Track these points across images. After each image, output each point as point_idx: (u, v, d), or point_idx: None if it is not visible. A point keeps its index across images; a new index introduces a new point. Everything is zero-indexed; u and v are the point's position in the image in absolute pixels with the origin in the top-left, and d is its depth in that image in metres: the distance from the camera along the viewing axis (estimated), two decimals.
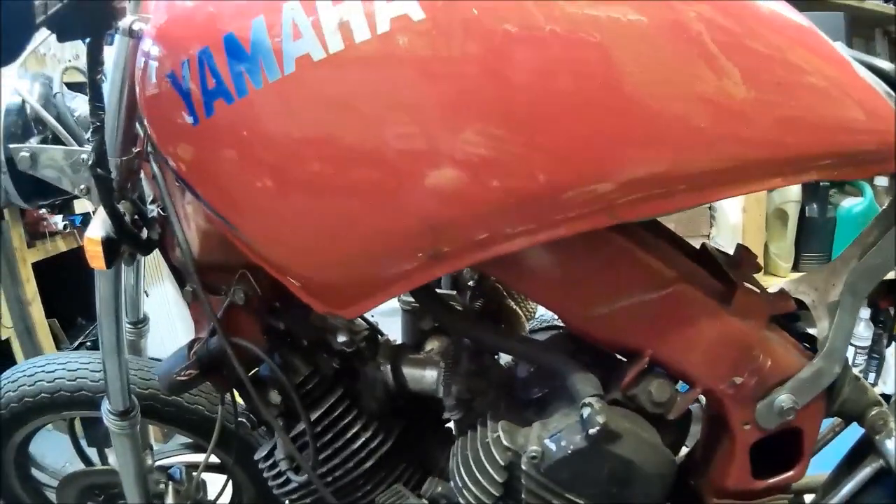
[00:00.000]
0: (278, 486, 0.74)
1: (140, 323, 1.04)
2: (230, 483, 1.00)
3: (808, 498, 0.80)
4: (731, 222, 1.92)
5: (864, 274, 0.68)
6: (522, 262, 0.59)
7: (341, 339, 0.68)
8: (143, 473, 0.86)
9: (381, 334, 0.73)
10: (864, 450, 0.76)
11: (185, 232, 0.68)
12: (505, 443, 0.62)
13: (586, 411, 0.58)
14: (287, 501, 0.76)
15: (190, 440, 1.02)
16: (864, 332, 2.34)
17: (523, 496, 0.62)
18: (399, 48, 0.47)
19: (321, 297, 0.61)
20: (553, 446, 0.60)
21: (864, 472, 0.74)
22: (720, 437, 0.68)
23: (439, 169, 0.50)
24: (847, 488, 0.75)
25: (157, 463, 0.92)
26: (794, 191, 1.95)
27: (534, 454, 0.60)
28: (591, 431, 0.57)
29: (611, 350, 0.63)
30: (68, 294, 1.57)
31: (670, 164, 0.50)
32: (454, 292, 0.73)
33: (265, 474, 0.75)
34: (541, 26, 0.46)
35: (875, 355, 2.35)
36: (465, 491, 0.64)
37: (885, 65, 0.68)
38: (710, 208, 2.03)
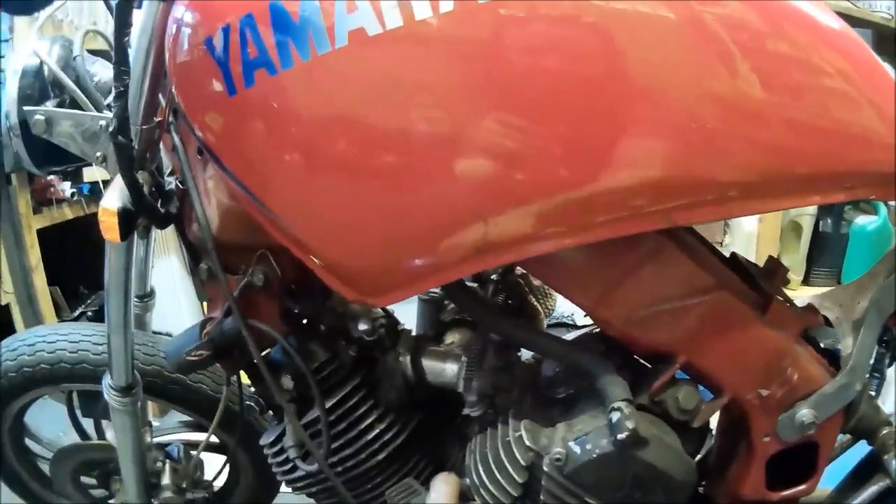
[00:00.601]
0: (284, 472, 0.73)
1: (147, 297, 1.01)
2: (230, 466, 0.98)
3: None
4: (746, 230, 1.94)
5: (890, 292, 0.67)
6: (563, 261, 0.57)
7: (362, 326, 0.66)
8: (141, 451, 0.84)
9: (399, 324, 0.71)
10: (870, 468, 0.76)
11: (204, 207, 0.65)
12: (527, 443, 0.61)
13: (615, 416, 0.57)
14: (291, 489, 0.75)
15: (189, 418, 1.00)
16: None
17: (542, 497, 0.61)
18: (462, 29, 0.45)
19: (351, 283, 0.59)
20: (578, 449, 0.59)
21: (871, 490, 0.74)
22: (738, 446, 0.67)
23: (494, 160, 0.48)
24: None
25: (156, 440, 0.90)
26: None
27: (558, 456, 0.59)
28: (620, 436, 0.56)
29: (642, 353, 0.62)
30: (72, 262, 1.53)
31: (725, 170, 0.49)
32: (476, 285, 0.72)
33: (270, 460, 0.74)
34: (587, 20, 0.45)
35: (876, 374, 2.38)
36: (482, 489, 0.63)
37: None
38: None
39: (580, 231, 0.50)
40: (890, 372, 2.55)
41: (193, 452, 0.90)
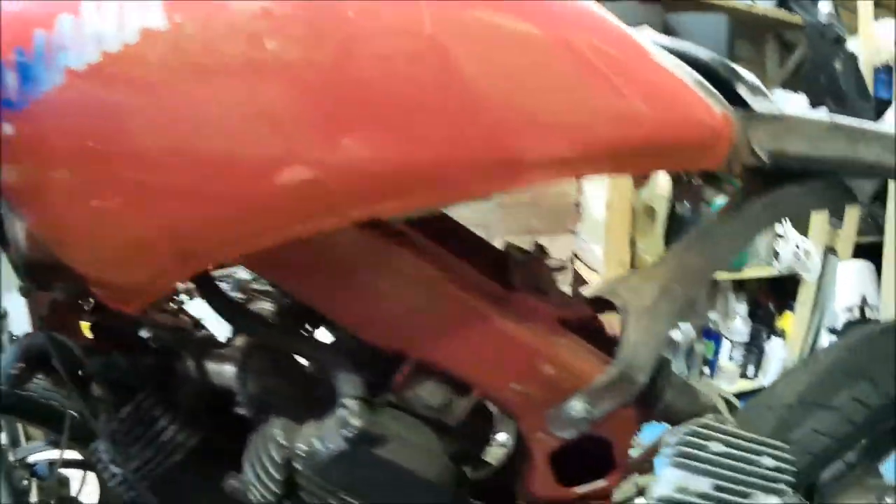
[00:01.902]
0: (108, 477, 0.76)
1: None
2: (98, 479, 1.00)
3: None
4: (596, 217, 1.88)
5: (682, 276, 0.64)
6: (279, 259, 0.57)
7: (147, 334, 0.69)
8: (6, 471, 0.88)
9: (202, 328, 0.74)
10: None
11: (14, 228, 0.70)
12: (281, 440, 0.61)
13: (342, 412, 0.57)
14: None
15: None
16: (740, 327, 2.29)
17: (302, 495, 0.61)
18: (144, 61, 0.46)
19: (111, 295, 0.61)
20: (319, 445, 0.58)
21: None
22: (521, 444, 0.65)
23: (172, 173, 0.50)
24: None
25: (36, 459, 0.94)
26: (663, 187, 1.88)
27: (300, 452, 0.59)
28: (344, 433, 0.56)
29: (382, 349, 0.61)
30: None
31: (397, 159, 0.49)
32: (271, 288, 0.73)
33: (98, 466, 0.77)
34: None
35: (754, 349, 2.28)
36: (251, 487, 0.64)
37: (702, 53, 0.64)
38: (576, 205, 2.01)
39: (270, 232, 0.51)
40: (769, 347, 2.42)
41: (62, 471, 0.93)
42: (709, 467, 0.48)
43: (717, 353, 2.28)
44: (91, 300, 0.72)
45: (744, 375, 2.28)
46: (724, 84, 0.57)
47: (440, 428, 0.61)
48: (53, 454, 0.98)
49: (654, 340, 0.62)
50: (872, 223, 2.25)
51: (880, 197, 2.19)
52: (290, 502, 0.62)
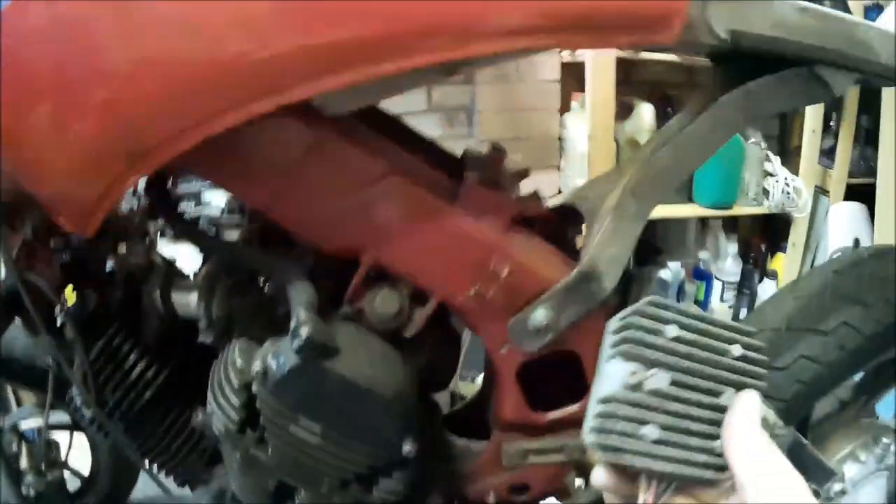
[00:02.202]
0: (86, 422, 0.75)
1: None
2: (88, 441, 0.99)
3: None
4: (579, 151, 1.85)
5: (650, 176, 0.60)
6: (224, 158, 0.54)
7: (109, 265, 0.68)
8: None
9: (155, 259, 0.72)
10: None
11: None
12: (239, 362, 0.59)
13: (293, 323, 0.55)
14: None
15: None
16: (731, 267, 2.23)
17: (262, 420, 0.59)
18: None
19: (67, 216, 0.60)
20: (274, 364, 0.56)
21: None
22: (490, 367, 0.62)
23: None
24: None
25: (25, 424, 0.94)
26: (646, 120, 1.84)
27: (256, 372, 0.57)
28: (295, 344, 0.54)
29: (337, 256, 0.59)
30: None
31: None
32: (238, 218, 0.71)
33: (75, 414, 0.76)
34: None
35: (745, 291, 2.20)
36: (214, 417, 0.62)
37: None
38: (559, 139, 1.98)
39: (211, 118, 0.49)
40: (761, 288, 2.34)
41: (51, 436, 0.92)
42: (663, 356, 0.35)
43: (708, 294, 2.25)
44: (59, 238, 0.71)
45: (736, 318, 2.23)
46: None
47: (400, 342, 0.59)
48: (43, 419, 0.99)
49: (621, 241, 0.58)
50: (864, 165, 2.18)
51: (872, 139, 2.12)
52: (254, 431, 0.60)
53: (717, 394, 0.36)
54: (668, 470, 0.34)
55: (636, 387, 0.34)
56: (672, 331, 0.36)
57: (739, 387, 0.36)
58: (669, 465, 0.34)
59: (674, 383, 0.35)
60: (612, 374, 0.35)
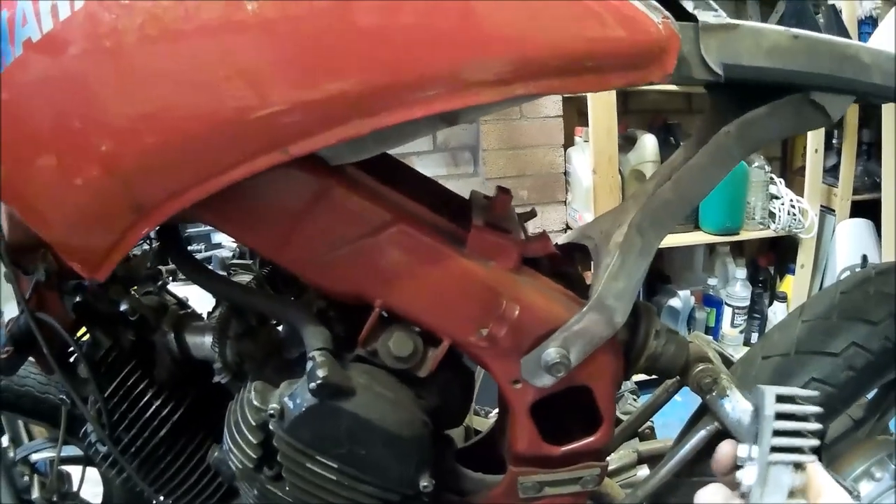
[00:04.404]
0: (99, 460, 0.75)
1: None
2: (101, 475, 0.98)
3: None
4: (584, 185, 1.87)
5: (655, 212, 0.61)
6: (230, 207, 0.56)
7: (123, 307, 0.70)
8: (6, 468, 0.88)
9: (167, 302, 0.73)
10: (703, 410, 0.68)
11: None
12: (256, 403, 0.60)
13: (309, 365, 0.56)
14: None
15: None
16: (741, 291, 2.21)
17: (279, 458, 0.60)
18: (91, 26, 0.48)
19: (79, 262, 0.62)
20: (290, 404, 0.57)
21: (699, 436, 0.66)
22: (504, 401, 0.63)
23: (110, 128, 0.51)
24: (681, 454, 0.67)
25: (37, 456, 0.94)
26: (650, 150, 1.85)
27: (272, 412, 0.58)
28: (312, 386, 0.55)
29: (347, 301, 0.60)
30: None
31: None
32: (250, 261, 0.73)
33: (89, 450, 0.76)
34: None
35: (756, 315, 2.19)
36: (230, 454, 0.63)
37: None
38: (564, 174, 2.01)
39: (213, 177, 0.51)
40: (772, 311, 2.33)
41: (63, 468, 0.93)
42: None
43: (718, 320, 2.25)
44: (72, 280, 0.73)
45: (748, 342, 2.24)
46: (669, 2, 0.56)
47: (412, 381, 0.60)
48: (55, 452, 0.99)
49: (628, 277, 0.59)
50: (868, 180, 2.18)
51: (875, 153, 2.12)
52: (270, 469, 0.61)
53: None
54: None
55: None
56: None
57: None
58: None
59: None
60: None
